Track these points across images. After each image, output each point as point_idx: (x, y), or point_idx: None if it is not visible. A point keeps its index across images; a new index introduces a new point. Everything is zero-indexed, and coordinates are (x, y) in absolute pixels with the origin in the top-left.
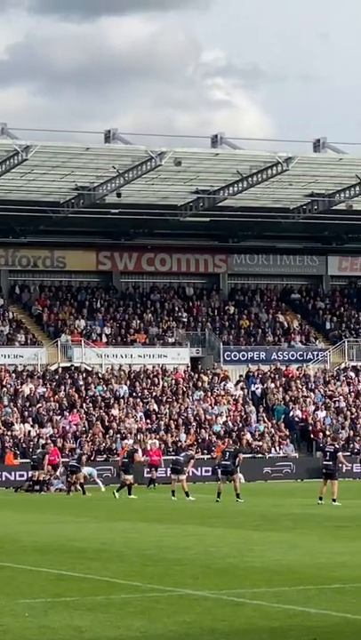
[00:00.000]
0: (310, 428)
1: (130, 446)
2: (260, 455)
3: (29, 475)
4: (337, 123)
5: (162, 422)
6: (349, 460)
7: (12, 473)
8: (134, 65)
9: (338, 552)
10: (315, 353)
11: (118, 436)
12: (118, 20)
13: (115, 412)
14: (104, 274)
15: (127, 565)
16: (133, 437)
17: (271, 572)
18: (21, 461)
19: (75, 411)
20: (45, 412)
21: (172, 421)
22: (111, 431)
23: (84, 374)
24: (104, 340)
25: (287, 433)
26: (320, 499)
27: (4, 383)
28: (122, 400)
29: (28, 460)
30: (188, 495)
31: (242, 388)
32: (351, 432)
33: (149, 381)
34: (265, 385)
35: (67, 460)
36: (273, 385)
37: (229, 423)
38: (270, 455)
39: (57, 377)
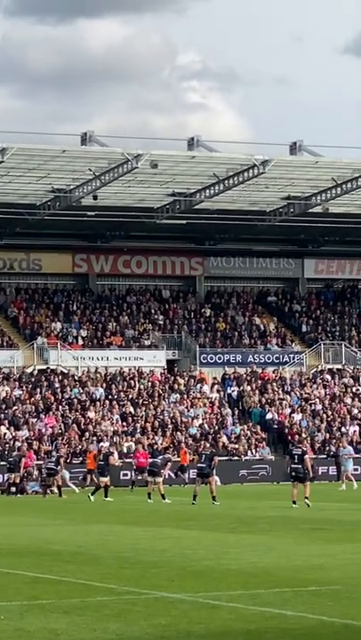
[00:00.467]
0: (287, 430)
1: (106, 449)
2: (236, 458)
3: (5, 477)
4: (313, 126)
5: (138, 425)
6: (325, 462)
7: None
8: (110, 68)
9: (314, 554)
10: (291, 356)
11: (94, 438)
12: (94, 23)
13: (91, 414)
14: (80, 276)
15: (103, 568)
16: (109, 440)
17: (247, 574)
18: None
19: (51, 413)
20: (21, 415)
21: (148, 424)
22: (87, 434)
23: (60, 377)
24: (80, 342)
25: (263, 435)
26: (294, 502)
27: None
28: (98, 402)
29: (4, 463)
30: (164, 498)
31: (218, 391)
32: (327, 435)
33: (125, 384)
34: (241, 387)
35: (41, 462)
36: (249, 387)
37: (205, 426)
38: (246, 458)
39: (33, 379)
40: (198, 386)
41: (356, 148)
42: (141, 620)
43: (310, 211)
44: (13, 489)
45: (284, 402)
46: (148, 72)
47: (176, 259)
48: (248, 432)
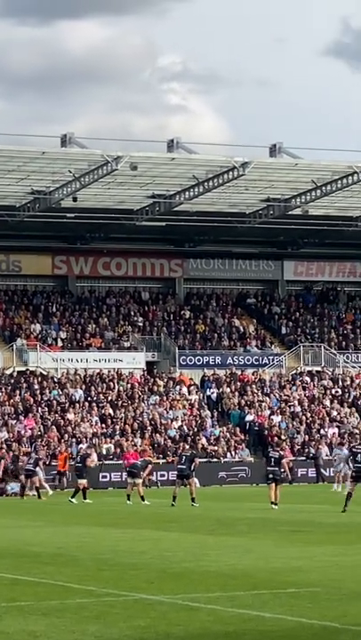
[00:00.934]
0: (266, 432)
1: (83, 450)
2: (215, 460)
3: None
4: (293, 128)
5: (117, 427)
6: (304, 464)
7: None
8: (91, 69)
9: (293, 557)
10: (270, 357)
11: (74, 440)
12: (75, 25)
13: (70, 416)
14: (60, 278)
15: (82, 570)
16: (88, 442)
17: (226, 576)
18: None
19: (30, 415)
20: (0, 417)
21: (127, 426)
22: (66, 435)
23: (40, 378)
24: (59, 344)
25: (243, 437)
26: (272, 503)
27: None
28: (77, 404)
29: None
30: (143, 499)
31: (197, 393)
32: (307, 437)
33: (105, 386)
34: (220, 389)
35: (20, 464)
36: (228, 389)
37: (185, 427)
38: (226, 460)
39: (12, 381)
40: (178, 388)
41: (335, 150)
42: (120, 621)
43: (290, 213)
44: None
45: (263, 404)
46: (129, 73)
47: (156, 260)
48: (227, 434)
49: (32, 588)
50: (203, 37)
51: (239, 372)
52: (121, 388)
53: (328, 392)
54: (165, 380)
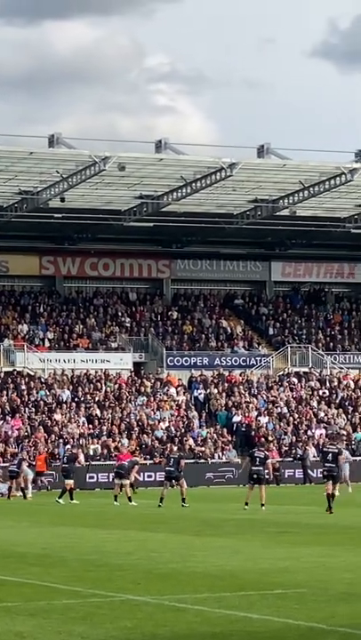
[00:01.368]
0: (253, 433)
1: (70, 451)
2: (202, 460)
3: None
4: (281, 129)
5: (104, 427)
6: (291, 465)
7: None
8: (78, 69)
9: (280, 557)
10: (258, 358)
11: (61, 440)
12: (62, 25)
13: (57, 416)
14: (47, 278)
15: (69, 570)
16: (75, 442)
17: (213, 577)
18: None
19: (17, 415)
20: None
21: (114, 426)
22: (53, 436)
23: (27, 379)
24: (47, 344)
25: (230, 438)
26: (246, 504)
27: None
28: (64, 405)
29: None
30: (130, 500)
31: (184, 394)
32: (294, 438)
33: (92, 386)
34: (208, 390)
35: (6, 464)
36: (216, 390)
37: (172, 428)
38: (213, 461)
39: None
40: (165, 388)
41: (323, 151)
42: (107, 622)
43: (278, 214)
44: None
45: (250, 405)
46: (116, 74)
47: (143, 261)
48: (214, 435)
49: (18, 588)
50: (190, 38)
51: (226, 373)
52: (108, 389)
53: (315, 393)
54: (153, 380)
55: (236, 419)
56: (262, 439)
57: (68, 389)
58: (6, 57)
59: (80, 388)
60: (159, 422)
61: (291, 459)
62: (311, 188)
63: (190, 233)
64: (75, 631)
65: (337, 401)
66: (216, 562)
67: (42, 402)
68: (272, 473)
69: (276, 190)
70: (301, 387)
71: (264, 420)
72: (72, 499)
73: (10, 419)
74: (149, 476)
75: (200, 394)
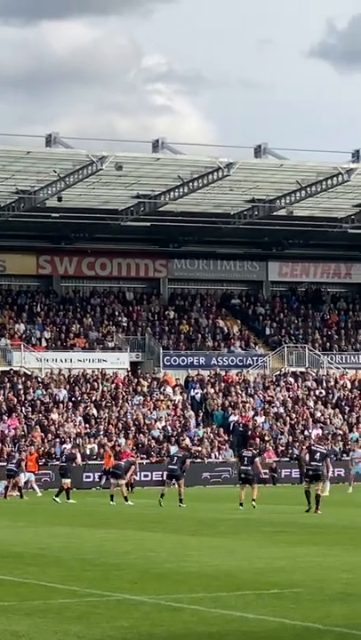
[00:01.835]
0: (250, 433)
1: (68, 450)
2: (198, 460)
3: None
4: (278, 129)
5: (101, 427)
6: (288, 465)
7: None
8: (75, 69)
9: (276, 557)
10: (254, 358)
11: (57, 440)
12: (60, 25)
13: (54, 416)
14: (44, 278)
15: (65, 570)
16: (72, 442)
17: (209, 577)
18: None
19: (14, 415)
20: None
21: (111, 426)
22: (50, 435)
23: (24, 378)
24: (44, 344)
25: (226, 438)
26: (241, 504)
27: None
28: (61, 404)
29: None
30: (126, 500)
31: (181, 393)
32: (290, 437)
33: (89, 386)
34: (204, 390)
35: (4, 464)
36: (212, 390)
37: (168, 428)
38: (209, 460)
39: None
40: (162, 388)
41: (320, 151)
42: (103, 622)
43: (275, 214)
44: None
45: (247, 404)
46: (114, 74)
47: (140, 261)
48: (211, 435)
49: (15, 588)
50: (188, 38)
51: (223, 373)
52: (105, 389)
53: (312, 393)
54: (149, 380)
55: (233, 418)
56: (256, 439)
57: (65, 389)
58: (4, 57)
59: (77, 388)
60: (156, 422)
61: (287, 458)
62: (308, 188)
63: (187, 233)
64: (71, 630)
65: (333, 401)
66: (212, 561)
67: (38, 401)
68: (261, 471)
69: (273, 190)
70: (298, 387)
71: (261, 419)
72: (68, 498)
73: (6, 418)
74: (146, 476)
75: (197, 393)
